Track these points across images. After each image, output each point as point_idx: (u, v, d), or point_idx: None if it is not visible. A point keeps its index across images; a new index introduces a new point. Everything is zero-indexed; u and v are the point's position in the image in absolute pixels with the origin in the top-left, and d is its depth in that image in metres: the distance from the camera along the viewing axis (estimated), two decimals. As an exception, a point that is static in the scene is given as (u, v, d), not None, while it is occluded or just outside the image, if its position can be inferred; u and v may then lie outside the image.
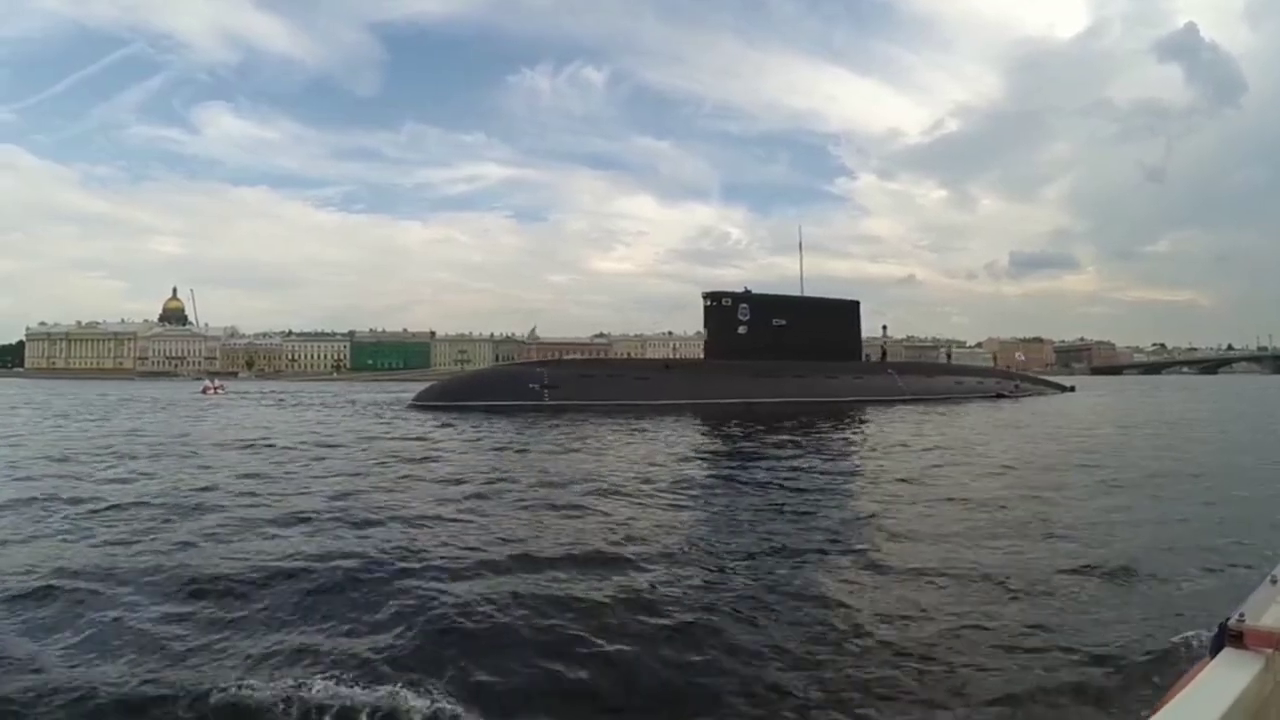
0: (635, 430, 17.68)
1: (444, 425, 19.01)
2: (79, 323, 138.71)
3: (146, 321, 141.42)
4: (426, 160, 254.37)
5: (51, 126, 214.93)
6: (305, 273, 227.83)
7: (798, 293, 36.00)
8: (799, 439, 15.59)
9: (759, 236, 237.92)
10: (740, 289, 33.44)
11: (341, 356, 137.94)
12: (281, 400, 35.93)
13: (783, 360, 30.71)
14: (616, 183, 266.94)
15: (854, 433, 18.13)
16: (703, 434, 17.81)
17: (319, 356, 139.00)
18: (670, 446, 14.39)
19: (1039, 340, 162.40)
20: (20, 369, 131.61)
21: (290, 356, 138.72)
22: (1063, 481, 9.81)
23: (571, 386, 27.59)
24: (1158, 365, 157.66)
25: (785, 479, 9.91)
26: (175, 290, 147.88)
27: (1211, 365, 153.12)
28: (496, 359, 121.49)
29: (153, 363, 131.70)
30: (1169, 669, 3.28)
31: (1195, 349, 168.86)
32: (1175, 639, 3.81)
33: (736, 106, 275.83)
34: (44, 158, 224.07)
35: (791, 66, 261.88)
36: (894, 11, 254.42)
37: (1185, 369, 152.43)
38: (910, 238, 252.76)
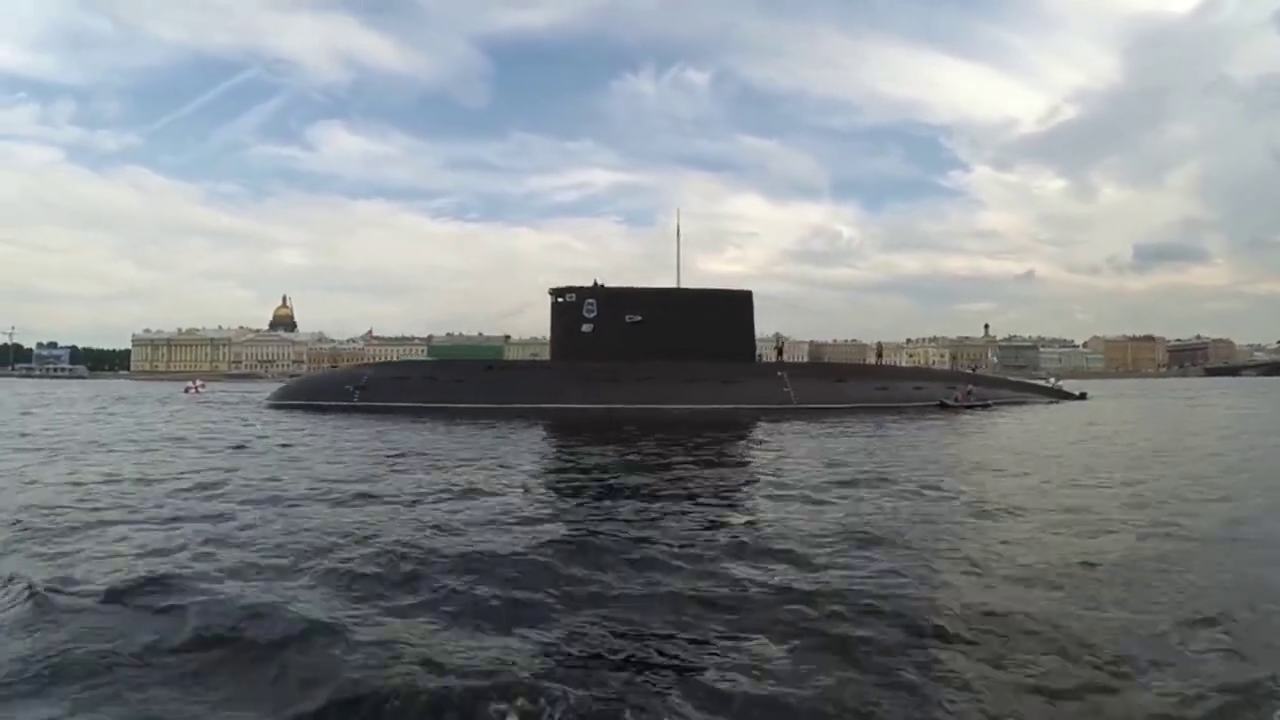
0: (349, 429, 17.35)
1: (242, 418, 21.59)
2: (180, 329, 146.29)
3: (242, 328, 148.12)
4: (536, 168, 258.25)
5: (177, 148, 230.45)
6: (423, 279, 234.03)
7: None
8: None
9: (871, 234, 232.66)
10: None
11: (422, 356, 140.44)
12: (245, 395, 37.45)
13: (634, 362, 26.27)
14: (725, 183, 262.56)
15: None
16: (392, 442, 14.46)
17: (398, 358, 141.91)
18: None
19: (1150, 339, 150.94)
20: (125, 371, 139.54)
21: (372, 359, 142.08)
22: None
23: (384, 388, 27.04)
24: (1279, 366, 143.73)
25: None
26: (285, 299, 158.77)
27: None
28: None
29: (245, 365, 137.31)
30: None
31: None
32: None
33: (842, 100, 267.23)
34: (172, 177, 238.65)
35: (895, 56, 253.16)
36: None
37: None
38: (1029, 231, 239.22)
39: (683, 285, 31.69)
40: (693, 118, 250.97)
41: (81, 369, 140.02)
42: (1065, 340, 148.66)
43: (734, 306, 29.99)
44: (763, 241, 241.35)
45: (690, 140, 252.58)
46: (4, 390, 49.88)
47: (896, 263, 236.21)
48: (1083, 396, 34.40)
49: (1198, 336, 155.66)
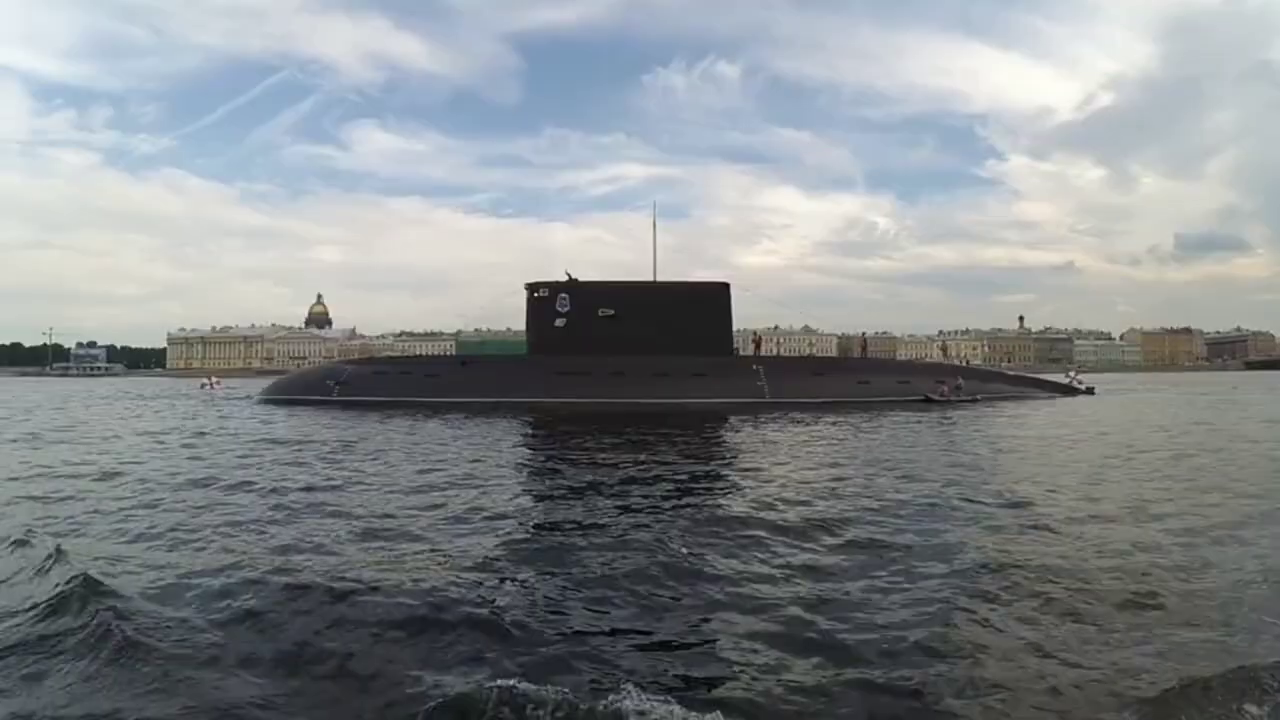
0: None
1: (219, 414, 22.14)
2: (214, 328, 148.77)
3: (274, 325, 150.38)
4: (569, 163, 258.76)
5: (212, 150, 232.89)
6: (459, 275, 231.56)
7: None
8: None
9: (907, 225, 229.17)
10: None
11: (447, 353, 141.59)
12: (251, 391, 37.07)
13: (605, 356, 26.10)
14: (759, 176, 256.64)
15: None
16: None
17: (428, 353, 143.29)
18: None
19: (1187, 331, 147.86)
20: (161, 369, 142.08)
21: (401, 354, 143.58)
22: None
23: (363, 383, 28.33)
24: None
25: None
26: (319, 296, 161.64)
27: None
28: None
29: (278, 362, 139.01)
30: None
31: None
32: None
33: (876, 91, 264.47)
34: (209, 179, 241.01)
35: (930, 45, 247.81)
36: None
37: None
38: (1067, 221, 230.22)
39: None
40: (725, 110, 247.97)
41: (118, 367, 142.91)
42: (1102, 333, 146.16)
43: (710, 300, 29.65)
44: (797, 233, 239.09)
45: (723, 133, 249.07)
46: (27, 388, 52.15)
47: (933, 254, 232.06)
48: (1090, 391, 33.12)
49: (1238, 329, 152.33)
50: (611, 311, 28.23)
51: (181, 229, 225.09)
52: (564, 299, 28.80)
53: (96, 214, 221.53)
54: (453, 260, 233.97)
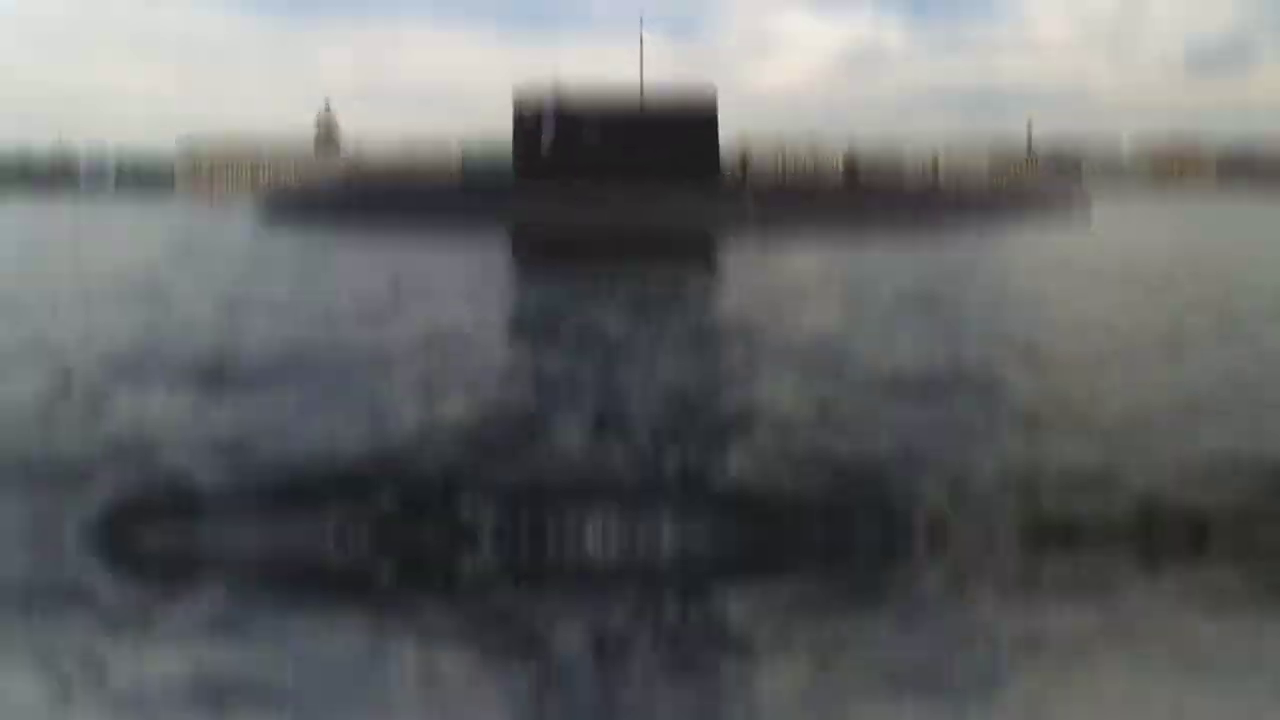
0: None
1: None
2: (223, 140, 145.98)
3: (283, 140, 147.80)
4: None
5: None
6: (470, 92, 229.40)
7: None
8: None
9: (917, 44, 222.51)
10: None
11: (455, 169, 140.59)
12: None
13: (590, 177, 26.14)
14: None
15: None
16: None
17: (435, 171, 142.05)
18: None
19: (1196, 150, 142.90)
20: (170, 189, 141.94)
21: (407, 170, 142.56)
22: None
23: (355, 203, 30.19)
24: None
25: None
26: (327, 102, 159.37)
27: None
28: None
29: (286, 181, 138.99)
30: None
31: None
32: None
33: None
34: None
35: None
36: None
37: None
38: (1078, 39, 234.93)
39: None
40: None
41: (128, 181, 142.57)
42: (1110, 151, 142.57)
43: (696, 122, 28.89)
44: (807, 51, 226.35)
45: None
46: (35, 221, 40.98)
47: (941, 72, 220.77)
48: (1087, 218, 31.88)
49: (1248, 147, 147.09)
50: (596, 132, 27.83)
51: (193, 44, 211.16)
52: (549, 121, 28.32)
53: (113, 25, 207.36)
54: (461, 79, 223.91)
